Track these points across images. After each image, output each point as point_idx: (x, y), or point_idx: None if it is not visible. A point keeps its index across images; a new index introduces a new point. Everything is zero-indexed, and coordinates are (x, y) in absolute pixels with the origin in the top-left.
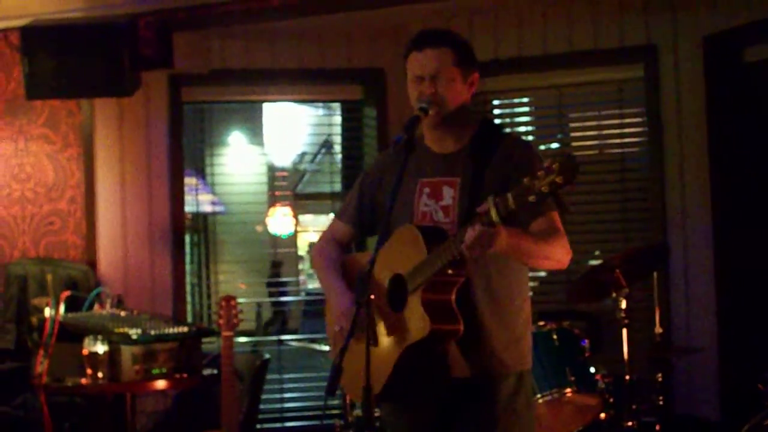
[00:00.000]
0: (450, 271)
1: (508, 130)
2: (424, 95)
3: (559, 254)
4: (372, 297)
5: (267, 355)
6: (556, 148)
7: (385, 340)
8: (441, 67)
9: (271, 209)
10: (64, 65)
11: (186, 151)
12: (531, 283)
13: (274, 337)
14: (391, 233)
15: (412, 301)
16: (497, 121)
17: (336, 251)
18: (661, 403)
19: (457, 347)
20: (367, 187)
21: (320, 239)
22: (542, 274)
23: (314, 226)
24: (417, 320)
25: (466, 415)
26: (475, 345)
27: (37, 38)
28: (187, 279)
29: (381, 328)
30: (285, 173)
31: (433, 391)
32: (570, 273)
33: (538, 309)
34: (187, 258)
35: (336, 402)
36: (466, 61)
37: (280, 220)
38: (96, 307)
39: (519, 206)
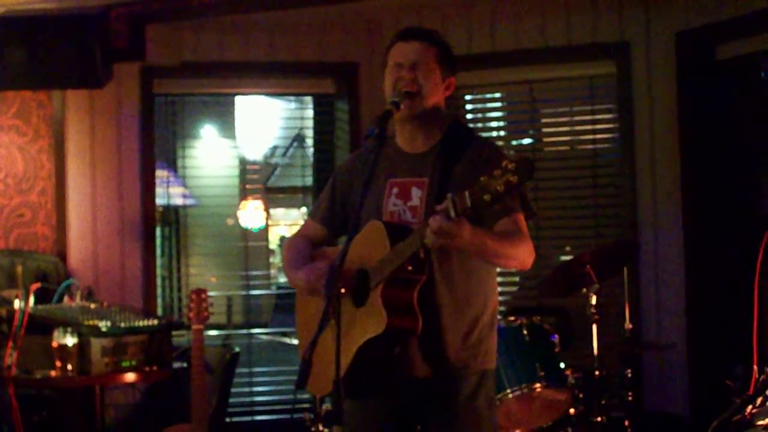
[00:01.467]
0: (410, 268)
1: (479, 125)
2: (402, 80)
3: (522, 255)
4: (343, 291)
5: (237, 349)
6: (527, 144)
7: (347, 333)
8: (423, 58)
9: (243, 202)
10: (36, 56)
11: (157, 144)
12: (501, 278)
13: (244, 331)
14: (359, 231)
15: (372, 297)
16: (469, 116)
17: (305, 246)
18: (630, 398)
19: (418, 346)
20: (338, 187)
21: (290, 237)
22: (513, 269)
23: (285, 220)
24: (375, 316)
25: (426, 414)
26: (435, 344)
27: (8, 29)
28: (158, 271)
29: (345, 325)
30: (256, 166)
31: (392, 389)
32: (541, 268)
33: (508, 304)
34: (158, 250)
35: (306, 396)
36: (447, 63)
37: (251, 214)
38: (66, 299)
39: (475, 204)
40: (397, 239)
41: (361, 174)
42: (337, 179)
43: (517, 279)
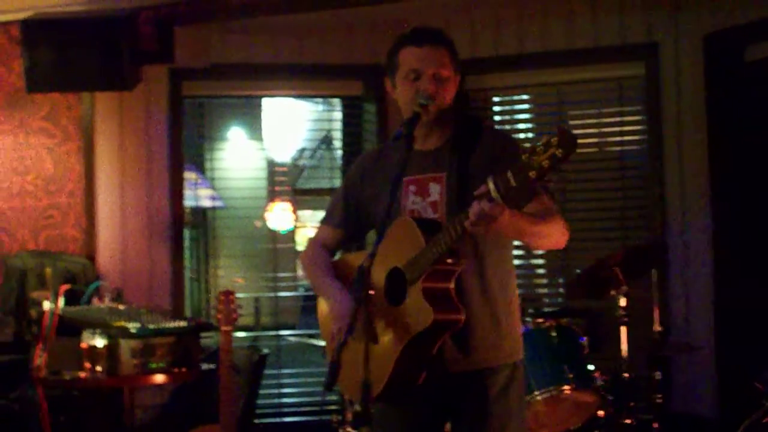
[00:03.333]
0: (449, 260)
1: (507, 127)
2: (426, 91)
3: (557, 234)
4: (372, 293)
5: (265, 350)
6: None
7: (384, 338)
8: (442, 66)
9: (270, 204)
10: (65, 58)
11: (185, 146)
12: (529, 280)
13: (272, 332)
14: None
15: (412, 293)
16: (497, 118)
17: (325, 256)
18: (659, 401)
19: (452, 341)
20: (351, 190)
21: (307, 246)
22: (541, 271)
23: (313, 222)
24: (418, 311)
25: (459, 408)
26: (468, 338)
27: (37, 31)
28: (186, 273)
29: (380, 326)
30: (284, 168)
31: (430, 387)
32: (569, 270)
33: (537, 306)
34: (186, 252)
35: (334, 397)
36: (457, 63)
37: (279, 216)
38: (95, 300)
39: (519, 182)
40: (430, 232)
41: (369, 175)
42: (349, 183)
43: (545, 281)
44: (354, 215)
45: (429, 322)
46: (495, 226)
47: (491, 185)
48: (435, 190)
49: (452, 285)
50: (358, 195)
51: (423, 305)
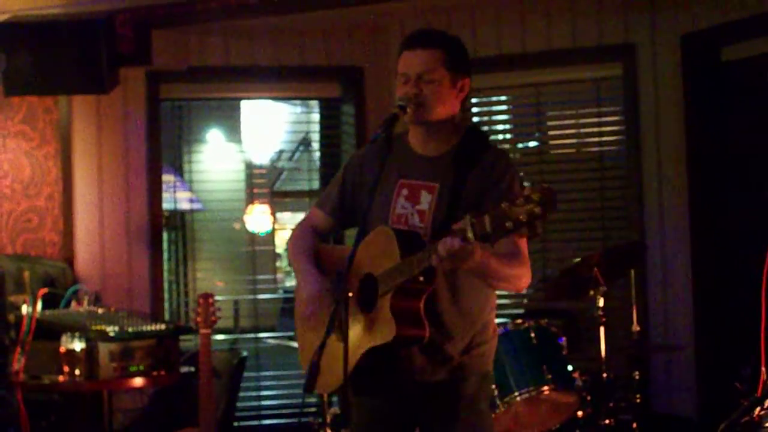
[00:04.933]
0: (421, 279)
1: (486, 128)
2: (407, 94)
3: (518, 279)
4: (350, 295)
5: (244, 353)
6: (533, 147)
7: (352, 337)
8: (428, 68)
9: (249, 207)
10: (42, 62)
11: (164, 149)
12: None
13: (251, 335)
14: (368, 231)
15: (381, 304)
16: (476, 119)
17: (312, 239)
18: (638, 401)
19: (420, 351)
20: (349, 180)
21: (297, 226)
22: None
23: (292, 224)
24: (383, 324)
25: (429, 412)
26: (438, 351)
27: (15, 34)
28: (165, 276)
29: (350, 325)
30: (263, 171)
31: (395, 389)
32: (548, 271)
33: (516, 307)
34: (165, 255)
35: (313, 399)
36: (458, 65)
37: (257, 218)
38: (73, 304)
39: (495, 230)
40: (407, 249)
41: (369, 169)
42: (348, 171)
43: None
44: (349, 205)
45: (390, 337)
46: (465, 265)
47: (468, 226)
48: (425, 199)
49: (421, 303)
50: (356, 185)
51: (389, 320)
